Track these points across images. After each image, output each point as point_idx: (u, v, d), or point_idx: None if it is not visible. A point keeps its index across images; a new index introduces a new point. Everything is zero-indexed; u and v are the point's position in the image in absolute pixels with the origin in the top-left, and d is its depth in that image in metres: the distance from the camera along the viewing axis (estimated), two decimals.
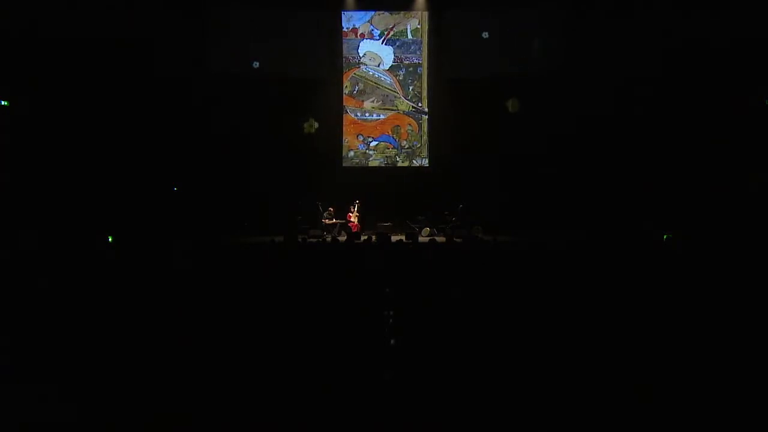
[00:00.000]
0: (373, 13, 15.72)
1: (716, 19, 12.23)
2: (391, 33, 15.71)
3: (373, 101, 15.84)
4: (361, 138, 15.83)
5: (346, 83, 15.82)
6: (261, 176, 14.62)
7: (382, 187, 15.03)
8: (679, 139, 12.80)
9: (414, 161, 15.92)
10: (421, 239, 12.66)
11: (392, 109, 15.88)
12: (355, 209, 14.07)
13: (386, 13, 15.75)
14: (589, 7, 14.05)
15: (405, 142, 15.87)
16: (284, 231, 12.23)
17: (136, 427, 2.62)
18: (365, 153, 15.88)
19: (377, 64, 15.78)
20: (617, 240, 10.23)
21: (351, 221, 13.95)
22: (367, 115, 15.87)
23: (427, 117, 15.85)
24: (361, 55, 15.78)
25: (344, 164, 15.81)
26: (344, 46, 15.75)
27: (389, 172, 15.73)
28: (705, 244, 9.08)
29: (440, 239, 12.22)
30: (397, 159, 15.89)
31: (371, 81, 15.80)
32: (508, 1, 14.96)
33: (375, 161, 15.88)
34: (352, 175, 15.57)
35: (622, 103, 13.41)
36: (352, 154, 15.88)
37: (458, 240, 10.59)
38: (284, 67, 14.96)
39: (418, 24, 15.71)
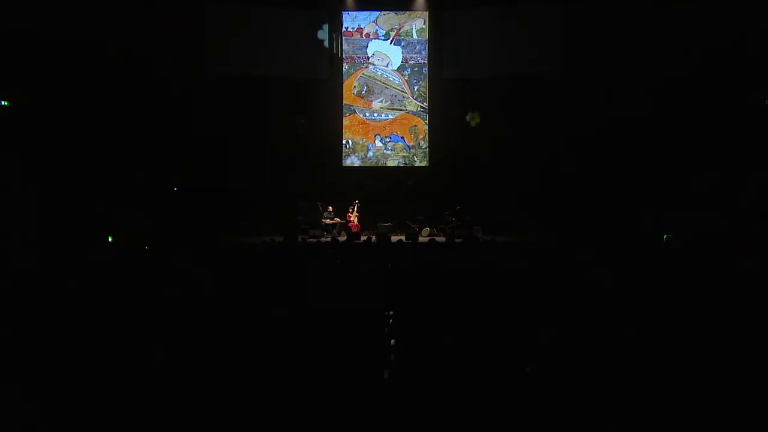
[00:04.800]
0: (378, 13, 15.72)
1: (717, 17, 12.22)
2: (398, 33, 15.69)
3: (381, 101, 15.84)
4: (378, 138, 15.81)
5: (354, 83, 15.81)
6: (260, 176, 14.64)
7: (382, 187, 15.05)
8: (679, 139, 12.79)
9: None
10: (421, 239, 12.66)
11: (400, 109, 15.86)
12: (355, 209, 14.06)
13: (391, 14, 15.75)
14: (589, 7, 14.03)
15: (422, 142, 15.84)
16: (284, 231, 12.24)
17: (137, 427, 2.61)
18: (384, 153, 15.86)
19: (386, 64, 15.78)
20: (618, 240, 10.21)
21: (351, 221, 13.94)
22: (375, 115, 15.86)
23: (427, 117, 15.85)
24: (369, 55, 15.78)
25: (363, 164, 15.79)
26: (350, 46, 15.74)
27: (390, 172, 15.73)
28: (705, 244, 9.07)
29: (440, 239, 12.22)
30: (415, 159, 15.86)
31: (380, 81, 15.79)
32: (509, 0, 14.94)
33: (393, 161, 15.86)
34: (352, 175, 15.57)
35: (623, 103, 13.39)
36: (371, 154, 15.85)
37: (458, 240, 10.58)
38: (284, 67, 14.95)
39: (424, 24, 15.71)
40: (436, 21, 15.58)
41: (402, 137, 15.84)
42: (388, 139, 15.84)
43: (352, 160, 15.82)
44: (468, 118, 15.09)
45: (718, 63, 12.39)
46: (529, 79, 14.44)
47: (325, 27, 15.50)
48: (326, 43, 15.51)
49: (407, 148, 15.85)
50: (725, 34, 12.22)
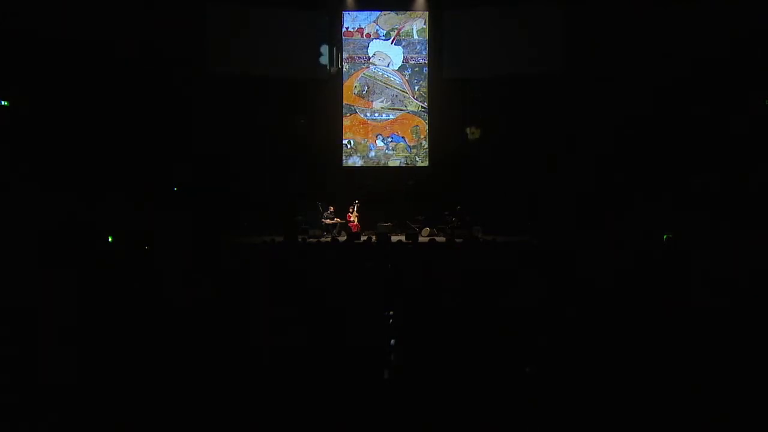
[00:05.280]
0: (378, 13, 15.71)
1: (717, 17, 12.22)
2: (399, 33, 15.68)
3: (382, 101, 15.82)
4: (380, 138, 15.80)
5: (355, 83, 15.80)
6: (261, 176, 14.65)
7: (382, 187, 15.05)
8: (680, 139, 12.79)
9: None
10: (421, 239, 12.66)
11: (401, 109, 15.85)
12: (354, 209, 14.06)
13: (392, 13, 15.74)
14: (589, 7, 14.03)
15: (424, 142, 15.81)
16: (284, 231, 12.24)
17: (136, 427, 2.61)
18: (385, 153, 15.85)
19: (387, 64, 15.76)
20: (618, 240, 10.21)
21: (351, 221, 13.94)
22: (376, 115, 15.85)
23: (427, 116, 15.83)
24: (370, 55, 15.76)
25: (365, 164, 15.78)
26: (351, 46, 15.73)
27: (390, 172, 15.73)
28: (706, 245, 9.07)
29: (440, 239, 12.22)
30: (417, 159, 15.85)
31: (381, 81, 15.78)
32: (509, 0, 14.93)
33: (395, 161, 15.85)
34: (352, 175, 15.58)
35: (622, 103, 13.39)
36: (373, 154, 15.84)
37: (459, 240, 10.58)
38: (284, 67, 14.96)
39: (424, 24, 15.70)
40: (436, 21, 15.57)
41: (403, 137, 15.83)
42: (390, 139, 15.83)
43: (354, 160, 15.81)
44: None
45: (718, 63, 12.39)
46: (529, 79, 14.44)
47: (325, 27, 15.49)
48: (326, 43, 15.48)
49: (408, 149, 15.85)
50: (725, 34, 12.22)
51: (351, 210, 14.05)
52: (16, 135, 11.88)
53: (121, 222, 11.62)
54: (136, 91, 13.39)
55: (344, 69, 15.74)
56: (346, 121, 15.80)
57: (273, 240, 9.26)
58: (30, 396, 2.73)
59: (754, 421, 2.56)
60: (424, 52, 15.73)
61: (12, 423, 2.56)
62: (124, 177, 12.93)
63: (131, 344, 3.34)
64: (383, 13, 15.73)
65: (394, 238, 12.56)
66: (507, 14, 14.86)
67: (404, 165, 15.81)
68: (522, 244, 10.75)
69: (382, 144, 15.83)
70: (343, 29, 15.66)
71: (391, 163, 15.84)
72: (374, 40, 15.75)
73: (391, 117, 15.86)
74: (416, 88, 15.84)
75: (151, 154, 13.55)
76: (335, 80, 15.69)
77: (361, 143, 15.83)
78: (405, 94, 15.83)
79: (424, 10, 15.62)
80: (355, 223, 13.90)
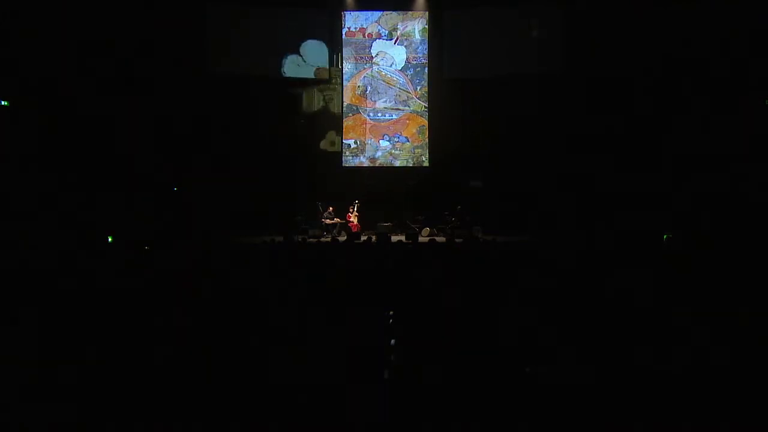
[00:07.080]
0: (380, 13, 15.69)
1: (717, 17, 12.22)
2: (402, 33, 15.66)
3: (385, 101, 15.81)
4: (385, 138, 15.78)
5: (358, 83, 15.77)
6: (261, 176, 14.64)
7: (382, 187, 15.04)
8: (679, 139, 12.79)
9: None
10: (421, 239, 12.67)
11: (404, 110, 15.83)
12: (354, 209, 14.05)
13: (393, 14, 15.72)
14: (589, 7, 14.03)
15: (429, 141, 15.80)
16: (284, 231, 12.22)
17: (135, 427, 2.61)
18: (391, 153, 15.84)
19: (390, 64, 15.75)
20: (617, 241, 10.21)
21: (351, 221, 13.94)
22: (380, 115, 15.83)
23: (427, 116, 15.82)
24: (373, 54, 15.74)
25: (371, 164, 15.74)
26: (353, 46, 15.70)
27: (390, 171, 15.71)
28: (705, 246, 9.08)
29: (440, 239, 12.22)
30: (423, 159, 15.82)
31: (384, 81, 15.75)
32: (509, 0, 14.93)
33: (401, 161, 15.83)
34: (353, 175, 15.57)
35: (621, 103, 13.39)
36: (378, 154, 15.83)
37: (459, 240, 10.59)
38: (284, 67, 14.94)
39: (426, 24, 15.69)
40: (436, 21, 15.56)
41: (407, 137, 15.81)
42: (396, 139, 15.80)
43: (360, 160, 15.80)
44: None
45: (718, 62, 12.39)
46: (529, 79, 14.44)
47: (325, 27, 15.50)
48: (326, 43, 15.49)
49: (413, 148, 15.83)
50: (725, 34, 12.22)
51: (351, 210, 14.04)
52: (16, 135, 11.88)
53: (121, 222, 11.63)
54: (135, 91, 13.38)
55: (347, 69, 15.71)
56: (350, 122, 15.77)
57: (273, 240, 9.25)
58: (30, 396, 2.74)
59: (753, 422, 2.56)
60: (425, 52, 15.71)
61: (13, 422, 2.57)
62: (124, 177, 12.93)
63: (131, 345, 3.35)
64: (384, 13, 15.71)
65: (394, 238, 12.57)
66: (507, 14, 14.86)
67: (411, 165, 15.78)
68: (522, 244, 10.76)
69: (386, 144, 15.81)
70: (345, 29, 15.64)
71: (399, 163, 15.80)
72: (377, 40, 15.73)
73: (395, 117, 15.83)
74: (418, 88, 15.82)
75: (151, 154, 13.54)
76: (336, 80, 15.66)
77: (366, 143, 15.81)
78: (408, 94, 15.81)
79: (424, 10, 15.60)
80: (355, 223, 13.90)
